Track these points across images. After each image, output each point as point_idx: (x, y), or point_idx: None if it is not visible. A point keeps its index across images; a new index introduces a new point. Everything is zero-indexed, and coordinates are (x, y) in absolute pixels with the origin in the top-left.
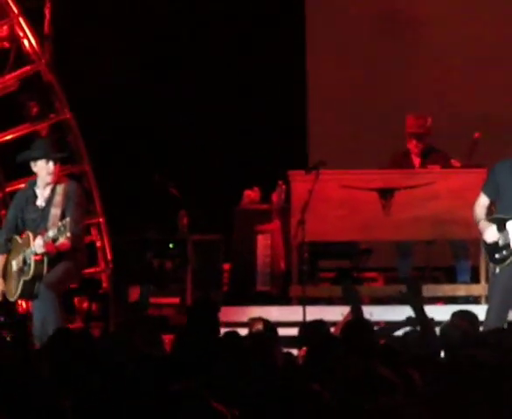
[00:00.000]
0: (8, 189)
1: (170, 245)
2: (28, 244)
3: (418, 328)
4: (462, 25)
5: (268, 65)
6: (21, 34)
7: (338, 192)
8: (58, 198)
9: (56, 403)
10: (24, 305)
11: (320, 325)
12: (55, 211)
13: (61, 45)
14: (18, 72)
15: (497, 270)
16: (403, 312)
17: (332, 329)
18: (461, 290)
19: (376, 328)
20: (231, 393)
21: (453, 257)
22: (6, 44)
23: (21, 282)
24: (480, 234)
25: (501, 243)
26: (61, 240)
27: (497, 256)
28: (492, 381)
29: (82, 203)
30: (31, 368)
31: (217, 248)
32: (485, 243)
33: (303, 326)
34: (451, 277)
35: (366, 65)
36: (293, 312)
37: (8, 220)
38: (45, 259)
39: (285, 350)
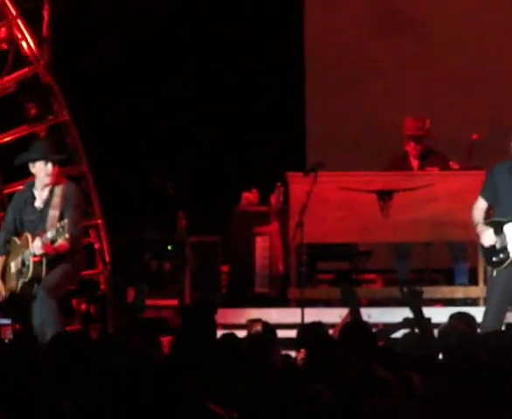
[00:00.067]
0: (6, 191)
1: (169, 247)
2: (26, 246)
3: (416, 330)
4: (462, 25)
5: (267, 66)
6: (19, 36)
7: (336, 194)
8: (56, 200)
9: (56, 403)
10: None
11: (318, 327)
12: (53, 213)
13: (60, 46)
14: (17, 73)
15: (494, 272)
16: (401, 314)
17: (331, 331)
18: (459, 292)
19: (374, 330)
20: (230, 395)
21: (452, 259)
22: (4, 46)
23: (20, 283)
24: (478, 237)
25: (498, 246)
26: (60, 241)
27: (494, 259)
28: (491, 382)
29: (80, 205)
30: (36, 368)
31: (215, 250)
32: (483, 246)
33: (302, 328)
34: (449, 279)
35: (365, 65)
36: (291, 314)
37: (6, 222)
38: (44, 261)
39: (283, 352)
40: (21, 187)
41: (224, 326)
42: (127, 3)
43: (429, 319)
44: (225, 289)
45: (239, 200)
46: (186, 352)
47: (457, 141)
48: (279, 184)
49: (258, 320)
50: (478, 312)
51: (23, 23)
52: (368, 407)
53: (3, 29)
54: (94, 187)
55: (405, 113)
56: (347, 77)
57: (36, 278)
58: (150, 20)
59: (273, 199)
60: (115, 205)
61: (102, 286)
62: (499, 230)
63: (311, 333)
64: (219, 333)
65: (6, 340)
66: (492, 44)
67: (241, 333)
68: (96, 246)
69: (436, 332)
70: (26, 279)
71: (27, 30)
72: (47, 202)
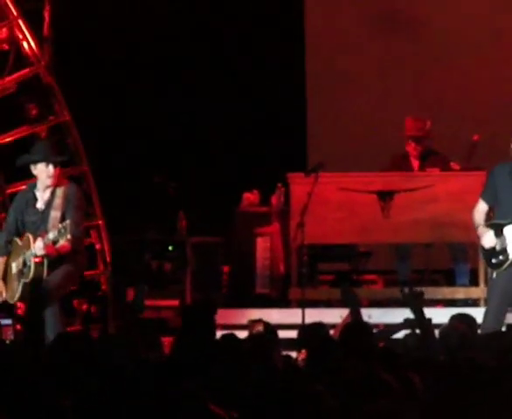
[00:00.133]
0: (8, 192)
1: (169, 247)
2: (28, 247)
3: (417, 330)
4: (462, 25)
5: (268, 66)
6: (20, 36)
7: (337, 194)
8: (57, 201)
9: (56, 403)
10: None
11: (319, 327)
12: (55, 214)
13: (60, 47)
14: (17, 74)
15: (494, 274)
16: (402, 315)
17: (331, 331)
18: (460, 293)
19: (375, 331)
20: (230, 395)
21: (452, 260)
22: (5, 47)
23: (21, 284)
24: (478, 239)
25: (498, 248)
26: (61, 242)
27: (494, 260)
28: (491, 384)
29: (82, 206)
30: (36, 368)
31: (216, 250)
32: (483, 248)
33: (303, 328)
34: (450, 279)
35: (366, 65)
36: (292, 315)
37: (8, 222)
38: (45, 261)
39: (284, 352)
40: (23, 187)
41: (225, 327)
42: (127, 3)
43: (430, 320)
44: (226, 289)
45: (240, 200)
46: (186, 352)
47: (457, 142)
48: (279, 185)
49: (259, 321)
50: (479, 313)
51: (24, 23)
52: (368, 408)
53: (4, 29)
54: (95, 187)
55: (405, 113)
56: (347, 77)
57: (37, 279)
58: (150, 20)
59: (273, 200)
60: (116, 205)
61: (103, 287)
62: (499, 232)
63: (312, 334)
64: (220, 333)
65: (7, 341)
66: (492, 43)
67: (242, 334)
68: (97, 247)
69: (437, 332)
70: (27, 280)
71: (28, 31)
72: (49, 204)
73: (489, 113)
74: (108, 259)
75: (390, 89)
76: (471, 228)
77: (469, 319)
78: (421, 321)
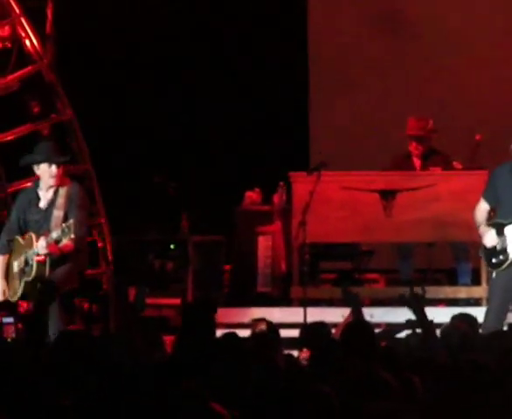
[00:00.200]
0: (10, 190)
1: (171, 246)
2: (30, 245)
3: (419, 330)
4: (462, 25)
5: (269, 66)
6: (23, 34)
7: (339, 193)
8: (60, 200)
9: (56, 402)
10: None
11: (321, 327)
12: (58, 213)
13: (60, 47)
14: (20, 72)
15: (494, 274)
16: (404, 314)
17: (333, 331)
18: (462, 292)
19: (377, 331)
20: (230, 394)
21: (454, 260)
22: (8, 45)
23: (22, 283)
24: (480, 237)
25: (498, 247)
26: (64, 242)
27: (494, 260)
28: (492, 383)
29: (85, 205)
30: (36, 367)
31: (218, 249)
32: (483, 247)
33: (305, 327)
34: (452, 279)
35: (365, 65)
36: (293, 314)
37: (10, 221)
38: (48, 261)
39: (285, 351)
40: (24, 185)
41: (227, 326)
42: (127, 3)
43: (431, 321)
44: (228, 288)
45: (242, 199)
46: (186, 351)
47: (457, 141)
48: (282, 183)
49: (262, 320)
50: (481, 313)
51: (26, 21)
52: (368, 409)
53: (7, 27)
54: (98, 185)
55: (405, 112)
56: (348, 77)
57: (39, 278)
58: (150, 20)
59: (275, 198)
60: (117, 205)
61: (105, 286)
62: (500, 232)
63: (314, 333)
64: (222, 332)
65: (9, 339)
66: (492, 43)
67: (243, 333)
68: (99, 245)
69: (439, 332)
70: (29, 279)
71: (30, 29)
72: (52, 203)
73: (489, 113)
74: (110, 258)
75: (392, 89)
76: (473, 227)
77: (470, 319)
78: (423, 322)
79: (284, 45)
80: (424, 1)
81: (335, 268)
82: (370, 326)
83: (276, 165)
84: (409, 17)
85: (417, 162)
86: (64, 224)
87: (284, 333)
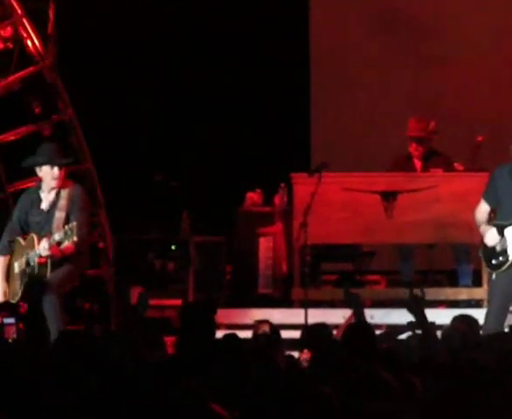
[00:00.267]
0: (11, 190)
1: (172, 246)
2: (32, 247)
3: (420, 332)
4: (463, 25)
5: (270, 66)
6: (24, 35)
7: (340, 195)
8: (62, 202)
9: (57, 402)
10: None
11: (322, 328)
12: (59, 215)
13: (60, 47)
14: (22, 72)
15: (494, 276)
16: (405, 315)
17: (334, 332)
18: (463, 293)
19: (378, 333)
20: (230, 394)
21: (455, 261)
22: (10, 45)
23: (23, 284)
24: (481, 237)
25: (498, 249)
26: (66, 244)
27: (494, 261)
28: (493, 385)
29: (87, 207)
30: (37, 367)
31: (219, 250)
32: (483, 249)
33: (306, 329)
34: (453, 280)
35: (365, 64)
36: (294, 315)
37: (12, 222)
38: (49, 262)
39: (286, 353)
40: (26, 185)
41: (228, 327)
42: (127, 3)
43: (432, 323)
44: (229, 289)
45: (243, 200)
46: (186, 351)
47: (458, 142)
48: (283, 185)
49: (265, 321)
50: (482, 314)
51: (28, 22)
52: (368, 409)
53: (9, 28)
54: (99, 184)
55: (405, 112)
56: (348, 76)
57: (36, 277)
58: (150, 19)
59: (276, 200)
60: (117, 205)
61: (106, 286)
62: (500, 233)
63: (315, 335)
64: (222, 333)
65: (10, 340)
66: (492, 44)
67: (244, 334)
68: (100, 245)
69: (439, 333)
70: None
71: (32, 30)
72: (53, 205)
73: (489, 113)
74: (111, 258)
75: (392, 89)
76: (474, 228)
77: (471, 320)
78: (423, 324)
79: (285, 44)
80: (424, 0)
81: (336, 269)
82: (370, 327)
83: (277, 166)
84: (409, 16)
85: (417, 164)
86: (66, 226)
87: (285, 334)
